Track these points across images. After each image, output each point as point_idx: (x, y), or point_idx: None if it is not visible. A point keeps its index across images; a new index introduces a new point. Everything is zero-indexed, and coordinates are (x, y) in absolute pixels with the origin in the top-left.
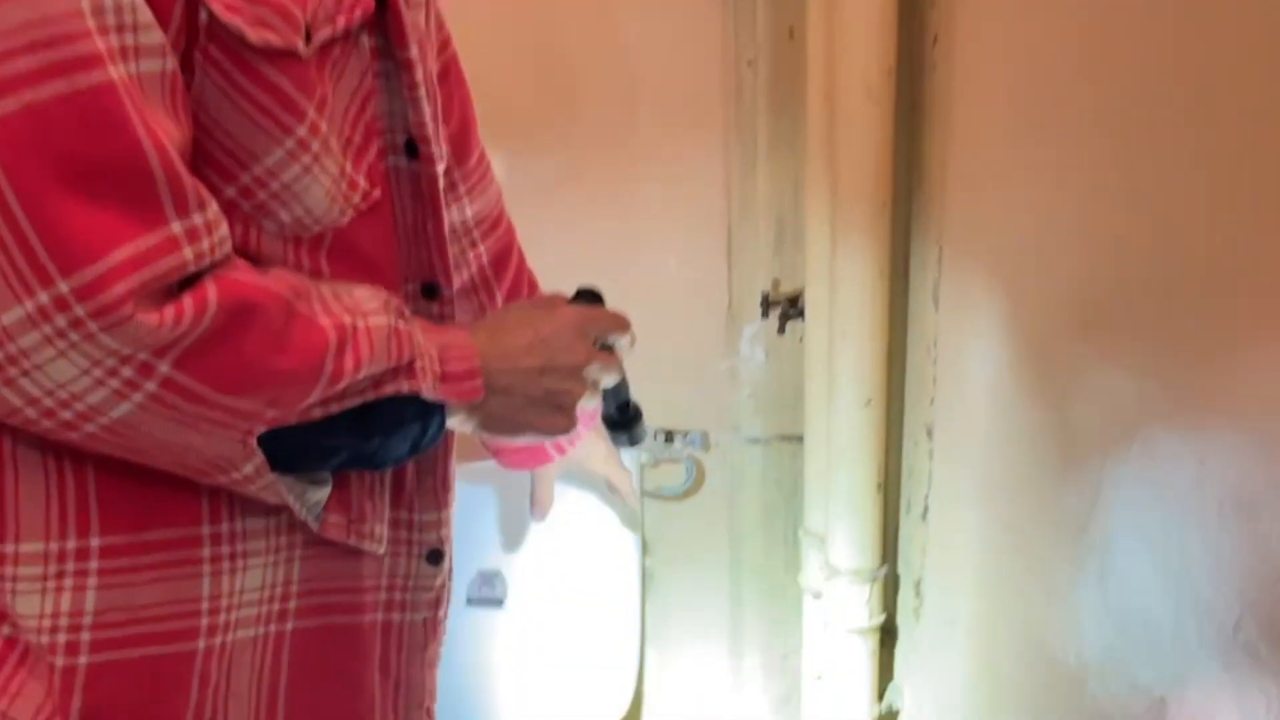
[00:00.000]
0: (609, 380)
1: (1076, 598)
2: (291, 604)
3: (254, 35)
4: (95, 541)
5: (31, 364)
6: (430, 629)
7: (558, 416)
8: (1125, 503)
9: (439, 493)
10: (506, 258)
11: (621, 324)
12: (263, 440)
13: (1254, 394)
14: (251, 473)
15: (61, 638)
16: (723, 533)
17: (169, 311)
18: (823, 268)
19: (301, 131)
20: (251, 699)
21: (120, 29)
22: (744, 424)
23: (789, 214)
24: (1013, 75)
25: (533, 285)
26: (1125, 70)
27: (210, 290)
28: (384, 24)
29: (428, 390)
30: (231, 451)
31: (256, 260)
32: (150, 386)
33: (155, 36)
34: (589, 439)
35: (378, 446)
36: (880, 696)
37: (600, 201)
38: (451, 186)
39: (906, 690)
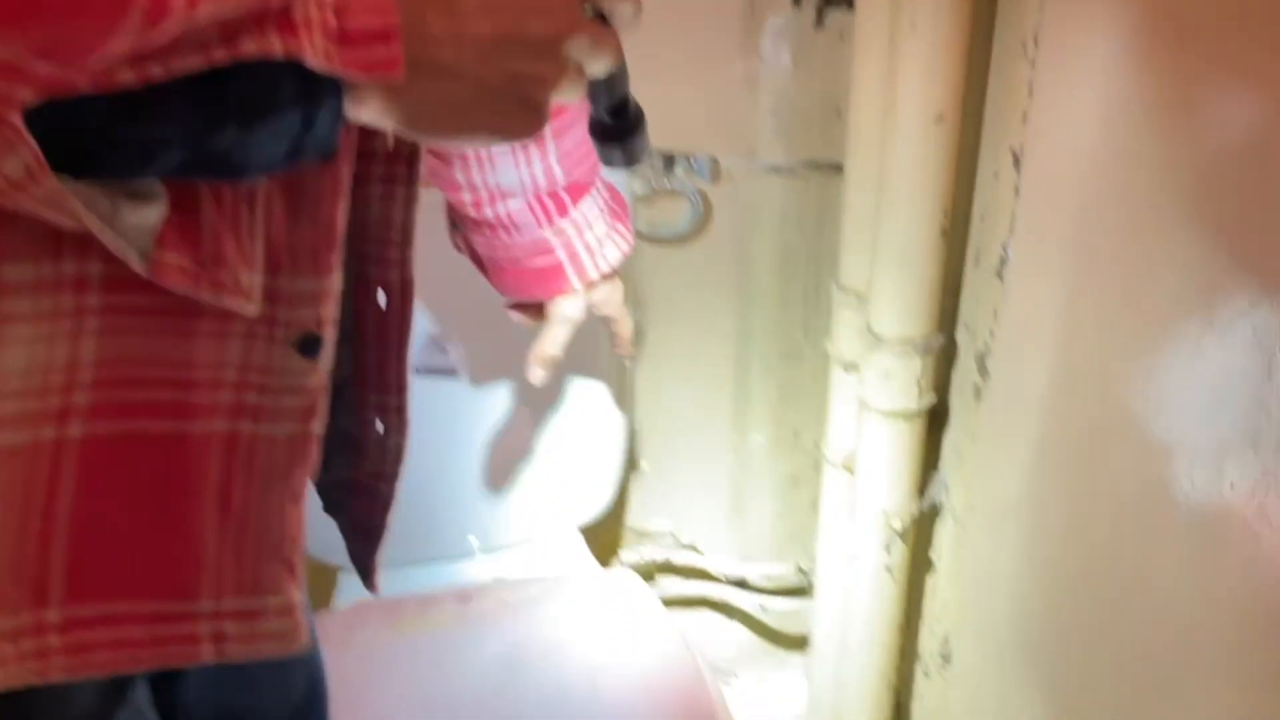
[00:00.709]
0: (601, 65)
1: (1180, 382)
2: (79, 398)
3: None
4: None
5: None
6: (298, 450)
7: (522, 114)
8: None
9: (322, 250)
10: None
11: None
12: (38, 120)
13: None
14: (19, 174)
15: None
16: (730, 285)
17: None
18: None
19: None
20: (12, 539)
21: None
22: (763, 147)
23: None
24: None
25: None
26: None
27: None
28: None
29: (314, 56)
30: None
31: None
32: None
33: None
34: (609, 285)
35: (233, 143)
36: (920, 491)
37: None
38: None
39: (954, 485)
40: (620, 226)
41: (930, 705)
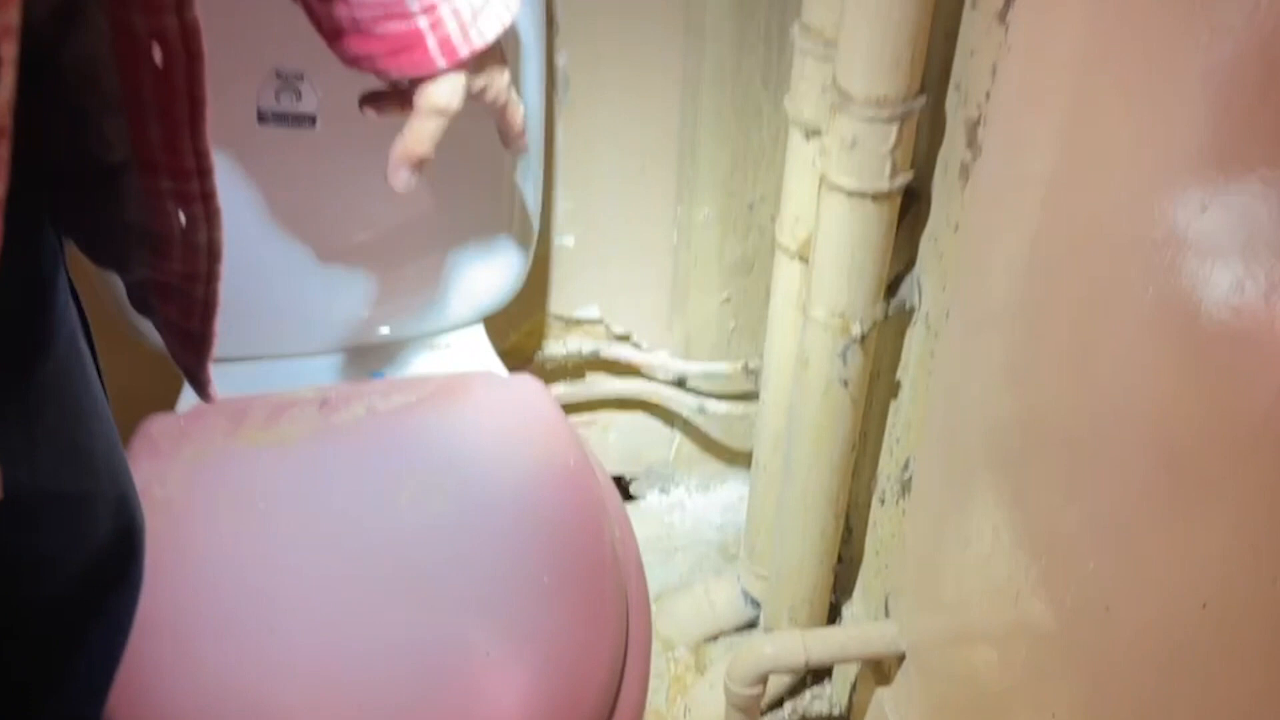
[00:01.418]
0: None
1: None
2: None
3: None
4: None
5: None
6: None
7: None
8: None
9: None
10: None
11: None
12: None
13: None
14: None
15: None
16: (677, 20)
17: None
18: None
19: None
20: None
21: None
22: None
23: None
24: None
25: None
26: None
27: None
28: None
29: None
30: None
31: None
32: None
33: None
34: (491, 67)
35: None
36: (889, 291)
37: None
38: None
39: (929, 284)
40: None
41: (884, 534)
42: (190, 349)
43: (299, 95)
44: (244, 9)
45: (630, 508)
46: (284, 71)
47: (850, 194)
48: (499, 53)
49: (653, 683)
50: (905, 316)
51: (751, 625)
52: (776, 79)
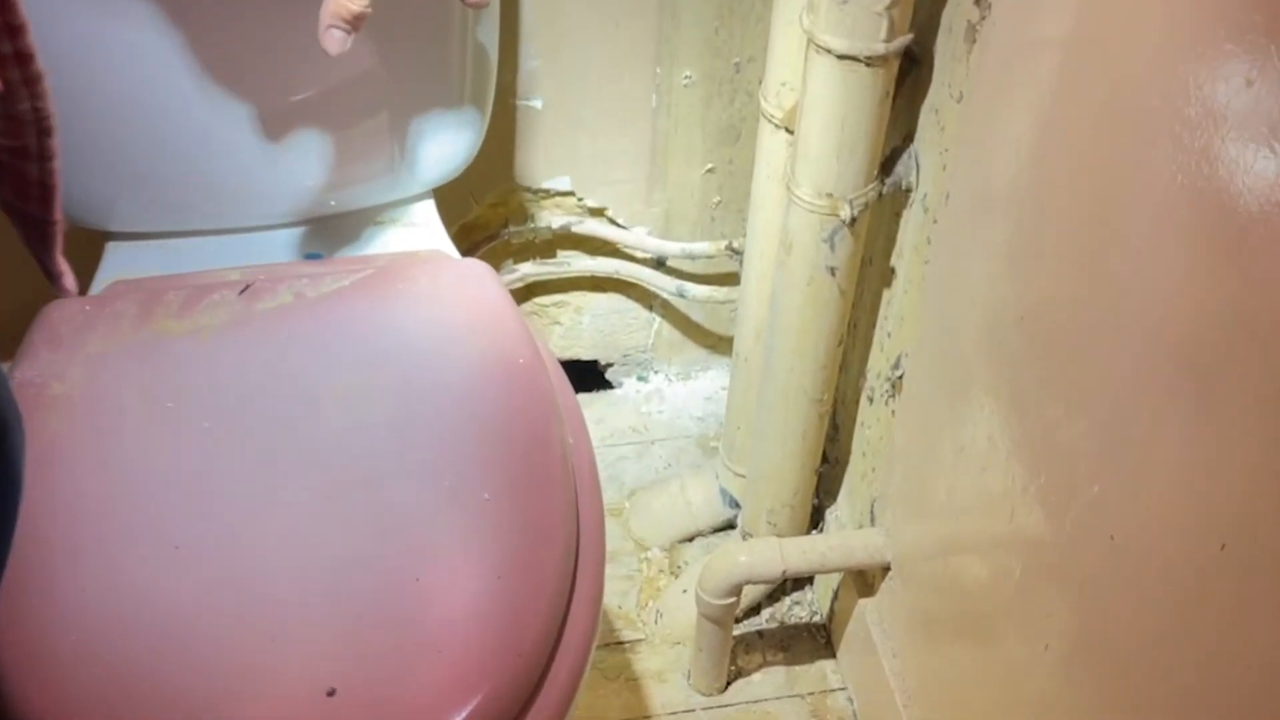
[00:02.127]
0: None
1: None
2: None
3: None
4: None
5: None
6: None
7: None
8: None
9: None
10: None
11: None
12: None
13: None
14: None
15: None
16: None
17: None
18: None
19: None
20: None
21: None
22: None
23: None
24: None
25: None
26: None
27: None
28: None
29: None
30: None
31: None
32: None
33: None
34: None
35: None
36: (883, 170)
37: None
38: None
39: (928, 162)
40: None
41: (872, 436)
42: (34, 234)
43: None
44: None
45: (605, 397)
46: None
47: (840, 57)
48: None
49: (623, 585)
50: (901, 198)
51: (731, 526)
52: None
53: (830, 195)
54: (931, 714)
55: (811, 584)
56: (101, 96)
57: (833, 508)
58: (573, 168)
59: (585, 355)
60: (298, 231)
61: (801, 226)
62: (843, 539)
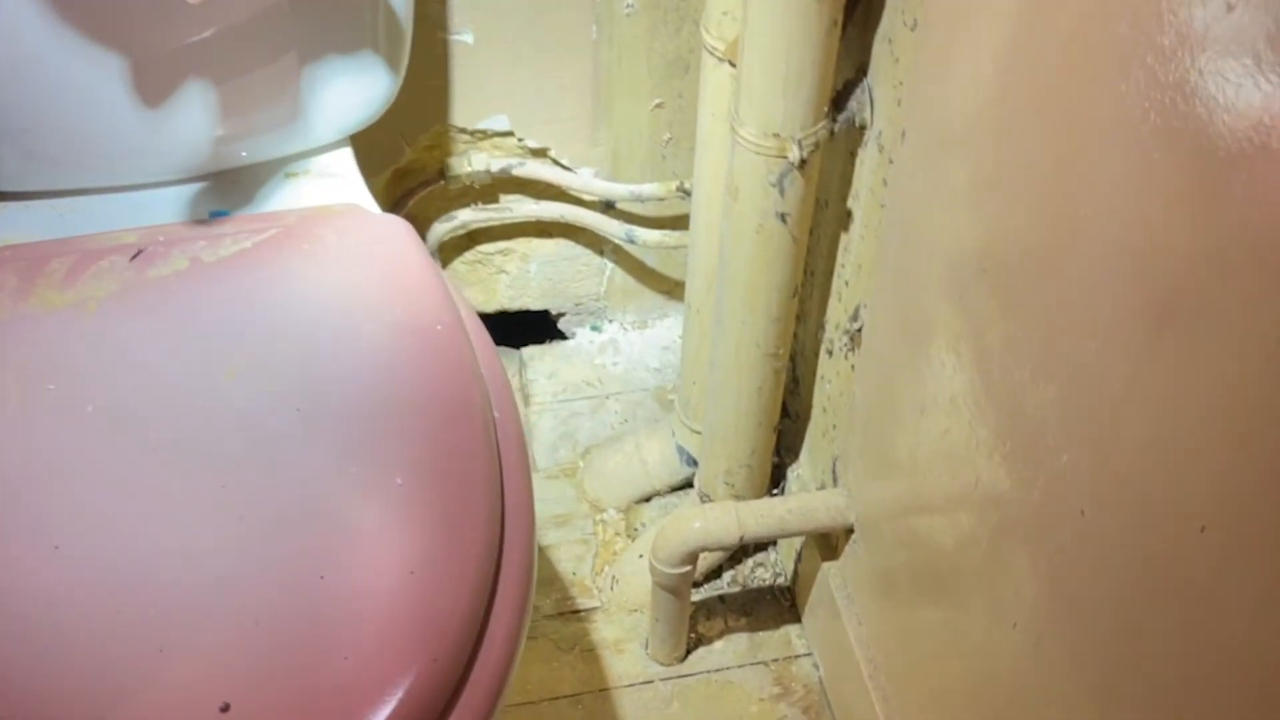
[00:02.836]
0: None
1: None
2: None
3: None
4: None
5: None
6: None
7: None
8: None
9: None
10: None
11: None
12: None
13: None
14: None
15: None
16: None
17: None
18: None
19: None
20: None
21: None
22: None
23: None
24: None
25: None
26: None
27: None
28: None
29: None
30: None
31: None
32: None
33: None
34: None
35: None
36: (834, 105)
37: None
38: None
39: (882, 97)
40: None
41: (832, 391)
42: None
43: None
44: None
45: (557, 349)
46: None
47: None
48: None
49: (578, 550)
50: (855, 136)
51: (690, 485)
52: None
53: (777, 135)
54: (898, 685)
55: (775, 545)
56: None
57: (794, 466)
58: (510, 106)
59: (535, 305)
60: (200, 187)
61: (747, 169)
62: (803, 501)
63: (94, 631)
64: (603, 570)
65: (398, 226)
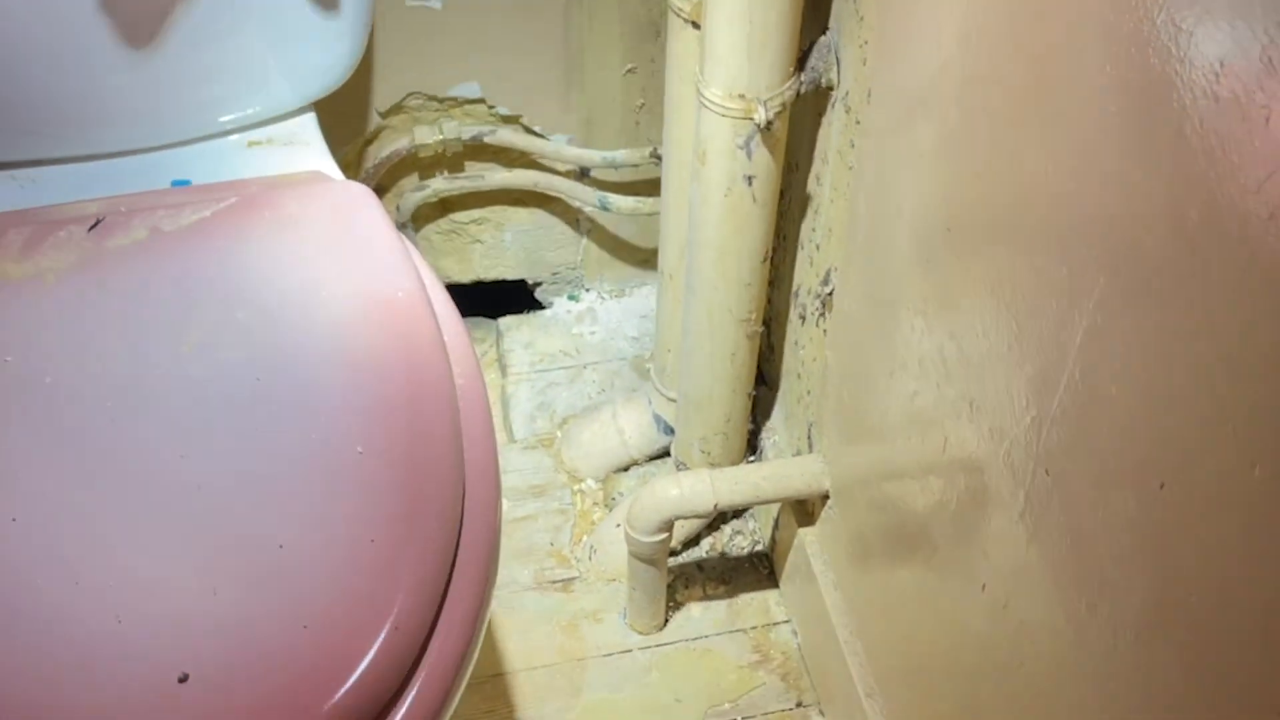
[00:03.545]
0: None
1: None
2: None
3: None
4: None
5: None
6: None
7: None
8: None
9: None
10: None
11: None
12: None
13: None
14: None
15: None
16: None
17: None
18: None
19: None
20: None
21: None
22: None
23: None
24: None
25: None
26: None
27: None
28: None
29: None
30: None
31: None
32: None
33: None
34: None
35: None
36: (799, 65)
37: None
38: None
39: (848, 57)
40: None
41: (806, 356)
42: None
43: None
44: None
45: (535, 318)
46: None
47: None
48: None
49: (556, 520)
50: (822, 97)
51: (668, 454)
52: None
53: (743, 96)
54: (874, 650)
55: (753, 512)
56: None
57: (771, 432)
58: (480, 72)
59: (511, 275)
60: (162, 156)
61: (714, 132)
62: (778, 468)
63: (50, 602)
64: (581, 540)
65: (360, 193)
